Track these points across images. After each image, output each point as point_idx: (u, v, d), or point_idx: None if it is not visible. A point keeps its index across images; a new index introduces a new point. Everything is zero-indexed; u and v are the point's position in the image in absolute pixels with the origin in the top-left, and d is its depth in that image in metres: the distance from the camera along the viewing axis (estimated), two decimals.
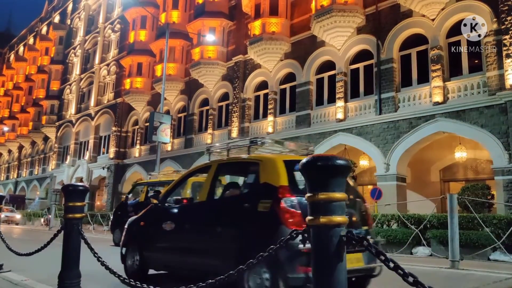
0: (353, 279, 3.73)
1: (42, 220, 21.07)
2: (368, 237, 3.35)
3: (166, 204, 4.74)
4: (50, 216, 20.09)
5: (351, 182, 4.18)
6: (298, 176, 3.78)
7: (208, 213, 4.25)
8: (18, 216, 26.29)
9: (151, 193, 8.34)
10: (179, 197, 4.81)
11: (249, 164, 4.28)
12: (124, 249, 4.87)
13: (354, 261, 3.49)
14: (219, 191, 4.56)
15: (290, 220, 3.38)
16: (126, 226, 5.16)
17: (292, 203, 3.46)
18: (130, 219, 5.23)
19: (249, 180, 4.39)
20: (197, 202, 4.65)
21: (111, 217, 11.52)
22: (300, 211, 3.42)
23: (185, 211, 4.51)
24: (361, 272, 3.68)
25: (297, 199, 3.50)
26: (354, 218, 3.79)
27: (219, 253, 3.83)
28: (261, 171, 3.91)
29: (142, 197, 9.97)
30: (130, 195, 10.72)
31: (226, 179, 5.28)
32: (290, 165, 3.81)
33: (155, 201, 4.88)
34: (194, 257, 4.14)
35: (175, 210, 4.59)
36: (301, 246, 2.88)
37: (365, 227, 3.89)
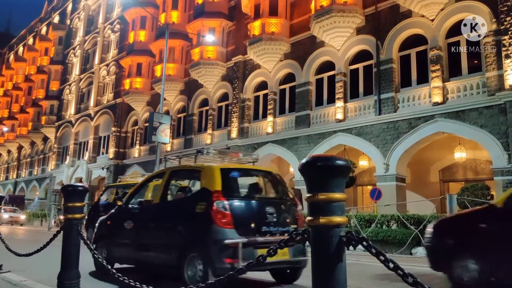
0: (288, 271, 4.57)
1: (53, 221, 20.78)
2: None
3: (129, 206, 5.33)
4: (61, 216, 20.04)
5: (285, 187, 5.07)
6: (232, 182, 4.61)
7: (160, 213, 4.88)
8: (22, 216, 25.97)
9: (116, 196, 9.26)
10: (142, 199, 5.40)
11: (193, 171, 4.96)
12: (94, 246, 5.27)
13: (281, 254, 3.74)
14: (171, 194, 5.21)
15: (221, 219, 4.01)
16: (96, 225, 5.78)
17: (223, 205, 4.09)
18: (100, 219, 5.82)
19: (192, 185, 5.17)
20: (152, 204, 5.15)
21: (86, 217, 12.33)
22: (229, 212, 4.07)
23: (142, 212, 5.10)
24: (287, 264, 4.36)
25: (228, 202, 4.13)
26: (283, 217, 4.49)
27: (167, 248, 4.45)
28: (201, 177, 4.54)
29: (111, 198, 10.71)
30: (102, 197, 11.40)
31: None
32: (225, 173, 4.52)
33: (119, 203, 5.43)
34: (148, 252, 4.76)
35: (134, 211, 5.20)
36: (227, 241, 3.91)
37: (294, 226, 4.55)
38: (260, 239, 4.17)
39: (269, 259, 3.65)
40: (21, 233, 16.49)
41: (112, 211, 5.66)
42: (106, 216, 5.75)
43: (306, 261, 4.42)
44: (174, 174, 5.18)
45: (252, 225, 4.27)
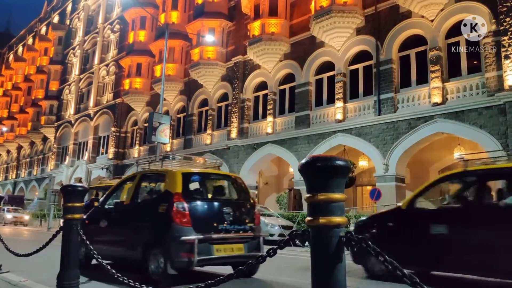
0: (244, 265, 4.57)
1: (61, 221, 20.67)
2: (249, 231, 4.98)
3: (105, 206, 5.83)
4: None
5: (245, 190, 5.55)
6: (192, 185, 5.18)
7: (130, 213, 5.37)
8: (26, 217, 25.33)
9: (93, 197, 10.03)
10: (117, 200, 5.85)
11: (159, 175, 5.44)
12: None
13: (236, 249, 4.76)
14: (141, 196, 5.67)
15: (180, 218, 4.51)
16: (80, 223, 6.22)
17: (183, 206, 4.58)
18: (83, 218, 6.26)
19: (158, 187, 5.61)
20: (124, 205, 5.61)
21: None
22: (188, 212, 4.56)
23: (115, 212, 5.60)
24: (243, 258, 4.70)
25: (187, 203, 4.63)
26: (239, 217, 5.01)
27: (135, 245, 4.92)
28: (165, 180, 5.07)
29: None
30: (85, 198, 12.00)
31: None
32: (186, 177, 5.03)
33: (96, 204, 6.00)
34: (120, 248, 5.24)
35: (109, 211, 5.70)
36: (183, 238, 4.35)
37: (251, 224, 5.10)
38: (215, 236, 4.65)
39: (225, 254, 4.43)
40: (21, 234, 16.48)
41: (90, 211, 6.12)
42: (85, 216, 6.11)
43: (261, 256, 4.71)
44: (144, 177, 5.69)
45: (209, 223, 4.72)
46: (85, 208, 10.43)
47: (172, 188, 4.78)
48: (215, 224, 4.74)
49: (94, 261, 5.28)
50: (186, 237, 4.40)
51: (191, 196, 4.87)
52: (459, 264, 4.66)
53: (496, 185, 5.49)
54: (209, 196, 5.45)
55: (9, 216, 23.89)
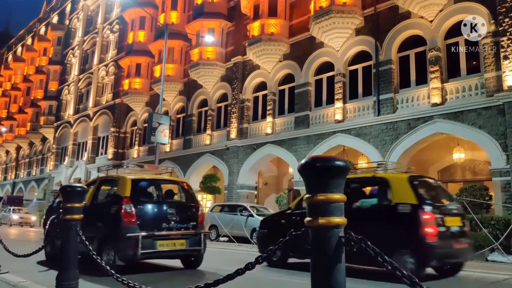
0: (192, 258, 5.99)
1: None
2: (191, 229, 5.80)
3: None
4: None
5: (190, 193, 6.36)
6: (140, 190, 5.99)
7: (89, 213, 6.10)
8: (33, 217, 24.78)
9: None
10: (85, 202, 6.86)
11: (113, 180, 6.27)
12: (45, 239, 6.53)
13: (178, 245, 5.61)
14: (99, 198, 6.45)
15: (128, 218, 5.35)
16: (48, 222, 7.14)
17: (130, 208, 5.39)
18: (51, 217, 7.14)
19: (112, 191, 6.33)
20: (86, 206, 6.56)
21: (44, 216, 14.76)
22: (134, 213, 5.38)
23: None
24: (185, 252, 5.74)
25: (134, 205, 5.44)
26: (182, 217, 5.77)
27: (92, 240, 5.47)
28: (118, 185, 5.89)
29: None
30: (57, 199, 12.81)
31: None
32: (135, 182, 5.83)
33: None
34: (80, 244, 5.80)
35: None
36: (129, 234, 5.14)
37: (193, 223, 5.88)
38: (158, 233, 5.45)
39: (168, 248, 5.35)
40: (28, 235, 16.45)
41: (59, 212, 6.78)
42: (54, 215, 6.96)
43: (201, 250, 5.81)
44: (102, 182, 6.55)
45: (154, 222, 5.51)
46: (53, 209, 11.30)
47: (122, 192, 5.62)
48: (159, 223, 5.52)
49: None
50: (132, 234, 5.21)
51: (138, 199, 5.66)
52: None
53: (360, 190, 6.40)
54: (157, 199, 6.32)
55: (15, 217, 23.55)
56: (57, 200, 12.99)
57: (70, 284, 3.49)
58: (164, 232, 5.49)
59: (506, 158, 10.40)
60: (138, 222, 5.34)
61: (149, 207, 5.78)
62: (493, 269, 6.59)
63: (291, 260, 6.61)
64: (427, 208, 5.21)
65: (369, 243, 1.58)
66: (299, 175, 1.68)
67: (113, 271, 2.88)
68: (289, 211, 7.09)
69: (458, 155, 12.64)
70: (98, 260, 3.13)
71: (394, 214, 5.40)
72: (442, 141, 13.10)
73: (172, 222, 5.62)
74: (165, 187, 6.59)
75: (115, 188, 6.03)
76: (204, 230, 6.12)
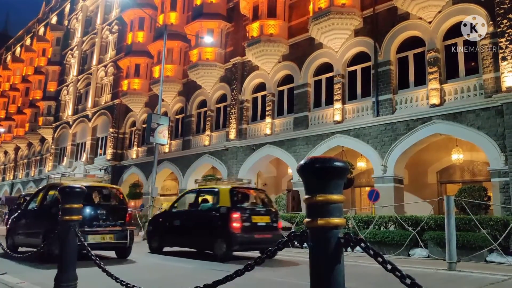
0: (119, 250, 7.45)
1: None
2: (118, 226, 7.19)
3: (28, 208, 8.20)
4: None
5: (119, 196, 7.89)
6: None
7: (38, 214, 7.64)
8: None
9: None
10: (34, 205, 8.03)
11: (56, 186, 7.27)
12: (6, 235, 8.35)
13: (107, 238, 6.96)
14: (47, 201, 7.78)
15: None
16: (9, 221, 8.72)
17: None
18: (12, 217, 8.77)
19: (55, 196, 7.36)
20: (37, 207, 7.88)
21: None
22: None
23: (30, 213, 8.01)
24: (113, 244, 7.11)
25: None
26: (111, 216, 7.13)
27: (39, 234, 7.00)
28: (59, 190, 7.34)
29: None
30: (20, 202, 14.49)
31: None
32: None
33: (22, 206, 8.67)
34: (31, 238, 7.38)
35: (28, 212, 8.08)
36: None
37: (121, 221, 7.29)
38: (88, 229, 6.79)
39: (97, 241, 6.94)
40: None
41: (18, 212, 8.67)
42: (15, 215, 8.63)
43: (127, 243, 7.21)
44: (49, 188, 7.77)
45: (86, 220, 6.77)
46: (13, 211, 12.17)
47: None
48: (91, 221, 6.97)
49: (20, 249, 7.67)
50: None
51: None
52: (182, 242, 8.44)
53: (204, 196, 8.83)
54: (92, 202, 7.64)
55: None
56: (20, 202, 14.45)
57: (68, 285, 3.48)
58: (94, 228, 6.93)
59: (504, 159, 10.42)
60: None
61: (83, 208, 6.98)
62: (492, 269, 6.60)
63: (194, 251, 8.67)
64: (235, 210, 7.45)
65: (369, 244, 1.58)
66: (298, 176, 1.68)
67: (102, 263, 2.87)
68: (166, 212, 9.44)
69: (457, 156, 12.66)
70: (92, 256, 3.12)
71: (218, 213, 7.62)
72: (441, 142, 13.12)
73: (102, 221, 7.07)
74: (100, 192, 8.11)
75: (57, 193, 7.25)
76: (130, 227, 7.44)
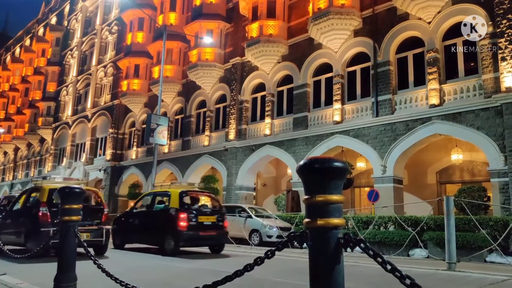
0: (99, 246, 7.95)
1: None
2: (94, 225, 7.86)
3: (13, 209, 8.79)
4: None
5: (96, 198, 8.67)
6: (55, 196, 7.49)
7: (20, 214, 8.29)
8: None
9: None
10: (18, 206, 8.62)
11: (38, 189, 8.20)
12: None
13: (84, 236, 7.38)
14: (29, 203, 8.34)
15: (43, 218, 7.35)
16: None
17: (45, 210, 7.45)
18: None
19: (36, 197, 8.08)
20: (19, 208, 8.50)
21: None
22: (48, 214, 7.40)
23: (14, 213, 8.54)
24: (90, 242, 7.15)
25: (48, 208, 7.46)
26: (88, 216, 7.59)
27: (20, 233, 7.68)
28: (39, 193, 7.93)
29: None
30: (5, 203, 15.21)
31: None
32: (51, 191, 7.69)
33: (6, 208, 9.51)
34: (13, 236, 8.01)
35: (12, 213, 8.64)
36: (43, 229, 7.12)
37: (97, 221, 8.00)
38: None
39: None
40: None
41: (4, 213, 9.32)
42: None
43: (103, 241, 7.87)
44: (32, 191, 8.48)
45: None
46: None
47: (41, 198, 7.68)
48: None
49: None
50: (45, 228, 7.09)
51: (52, 204, 7.48)
52: (140, 239, 9.44)
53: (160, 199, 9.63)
54: None
55: None
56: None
57: (68, 285, 3.47)
58: None
59: (504, 159, 10.42)
60: (50, 220, 7.24)
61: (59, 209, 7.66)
62: (492, 270, 6.60)
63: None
64: (183, 211, 8.48)
65: (368, 244, 1.59)
66: (298, 176, 1.68)
67: (101, 264, 2.87)
68: (127, 212, 10.56)
69: (457, 156, 12.67)
70: (91, 257, 3.12)
71: (168, 213, 8.64)
72: (441, 142, 13.13)
73: (79, 220, 7.31)
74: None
75: (38, 195, 7.96)
76: (106, 226, 8.09)
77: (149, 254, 8.76)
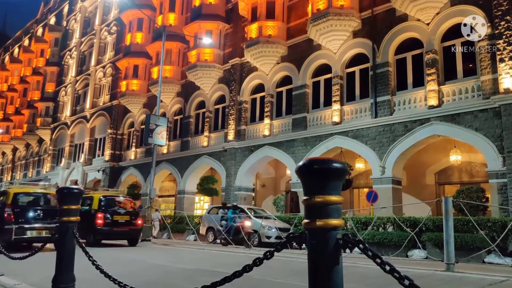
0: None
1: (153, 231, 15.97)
2: (52, 224, 8.60)
3: None
4: (157, 218, 16.64)
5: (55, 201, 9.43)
6: (19, 198, 9.17)
7: None
8: None
9: None
10: None
11: (4, 193, 9.40)
12: None
13: (44, 233, 8.70)
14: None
15: (7, 217, 8.49)
16: None
17: (9, 211, 8.61)
18: None
19: (2, 200, 9.11)
20: None
21: None
22: (12, 214, 8.58)
23: None
24: (48, 239, 8.09)
25: (12, 209, 8.65)
26: (47, 216, 8.89)
27: None
28: (5, 196, 9.11)
29: None
30: None
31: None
32: (16, 194, 9.09)
33: None
34: None
35: None
36: (7, 226, 8.65)
37: (55, 220, 8.16)
38: (27, 226, 8.70)
39: (35, 236, 9.10)
40: None
41: None
42: None
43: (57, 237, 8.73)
44: (0, 194, 9.55)
45: (26, 219, 8.77)
46: None
47: (6, 201, 8.89)
48: (30, 219, 8.83)
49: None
50: (9, 226, 8.33)
51: (17, 204, 8.89)
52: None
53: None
54: (34, 204, 9.34)
55: None
56: None
57: (66, 286, 3.46)
58: (31, 225, 8.75)
59: (502, 160, 10.45)
60: (13, 220, 8.46)
61: (24, 210, 9.01)
62: (490, 271, 6.61)
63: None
64: (99, 211, 10.74)
65: (367, 245, 1.59)
66: (297, 177, 1.68)
67: (100, 265, 2.86)
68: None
69: (455, 157, 12.69)
70: (90, 257, 3.11)
71: (91, 214, 10.62)
72: (439, 143, 13.15)
73: (39, 219, 8.90)
74: (40, 196, 9.85)
75: (4, 198, 9.08)
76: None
77: (101, 248, 10.01)
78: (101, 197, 11.23)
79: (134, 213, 11.61)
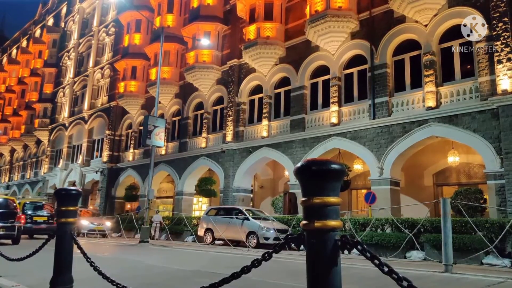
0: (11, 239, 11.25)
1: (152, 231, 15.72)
2: (8, 223, 10.84)
3: None
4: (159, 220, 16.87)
5: (14, 203, 12.01)
6: None
7: None
8: (108, 223, 18.13)
9: None
10: None
11: None
12: None
13: (1, 231, 10.62)
14: None
15: None
16: None
17: None
18: None
19: None
20: None
21: None
22: None
23: None
24: (5, 235, 10.72)
25: None
26: (5, 217, 10.72)
27: None
28: None
29: None
30: None
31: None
32: None
33: None
34: None
35: None
36: None
37: (12, 220, 10.78)
38: None
39: None
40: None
41: None
42: None
43: (14, 234, 10.81)
44: None
45: None
46: None
47: None
48: None
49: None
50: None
51: None
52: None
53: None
54: None
55: (85, 223, 17.33)
56: None
57: (64, 287, 3.45)
58: None
59: (500, 162, 10.48)
60: None
61: None
62: (488, 272, 6.62)
63: None
64: (21, 213, 12.25)
65: (365, 246, 1.59)
66: (295, 178, 1.68)
67: (97, 266, 2.86)
68: None
69: (453, 159, 12.73)
70: (88, 259, 3.10)
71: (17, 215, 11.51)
72: (437, 144, 13.19)
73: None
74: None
75: None
76: (18, 224, 10.87)
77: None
78: (25, 203, 14.37)
79: (51, 215, 14.16)
